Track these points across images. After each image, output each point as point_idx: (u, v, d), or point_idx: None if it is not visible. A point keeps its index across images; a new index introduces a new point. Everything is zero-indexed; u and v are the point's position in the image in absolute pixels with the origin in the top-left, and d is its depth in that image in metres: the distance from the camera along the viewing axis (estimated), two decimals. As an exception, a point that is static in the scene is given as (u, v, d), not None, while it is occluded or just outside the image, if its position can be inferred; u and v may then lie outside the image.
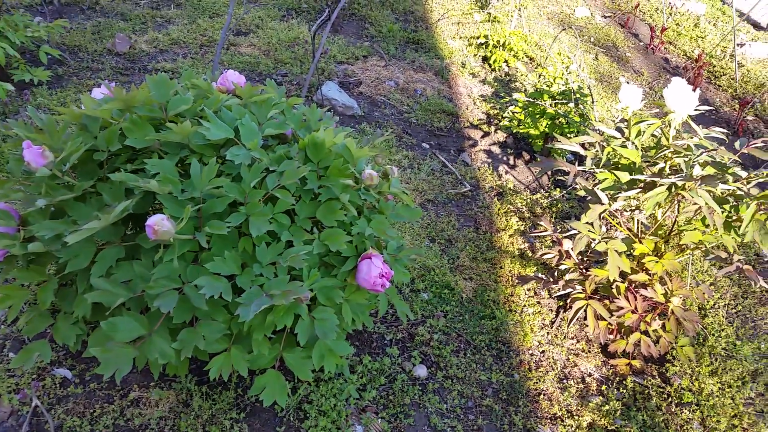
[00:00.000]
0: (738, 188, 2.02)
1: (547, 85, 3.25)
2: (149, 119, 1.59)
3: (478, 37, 4.59)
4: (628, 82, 4.70)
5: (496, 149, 3.49)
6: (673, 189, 1.97)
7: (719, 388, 2.17)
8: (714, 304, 2.58)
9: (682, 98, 2.02)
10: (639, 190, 2.07)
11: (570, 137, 2.86)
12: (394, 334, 2.12)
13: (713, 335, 2.40)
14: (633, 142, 2.14)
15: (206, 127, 1.52)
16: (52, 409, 1.70)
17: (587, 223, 2.07)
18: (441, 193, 2.97)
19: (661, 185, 1.97)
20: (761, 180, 2.00)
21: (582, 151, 2.17)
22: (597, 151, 2.19)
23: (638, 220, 2.16)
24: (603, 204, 2.05)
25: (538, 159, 3.32)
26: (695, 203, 1.95)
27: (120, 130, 1.52)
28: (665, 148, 2.08)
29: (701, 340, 2.37)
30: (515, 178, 3.30)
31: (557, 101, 3.17)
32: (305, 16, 4.63)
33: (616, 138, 2.16)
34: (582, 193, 2.12)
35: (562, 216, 2.97)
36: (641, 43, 5.55)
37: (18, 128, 1.48)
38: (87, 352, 1.38)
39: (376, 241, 1.76)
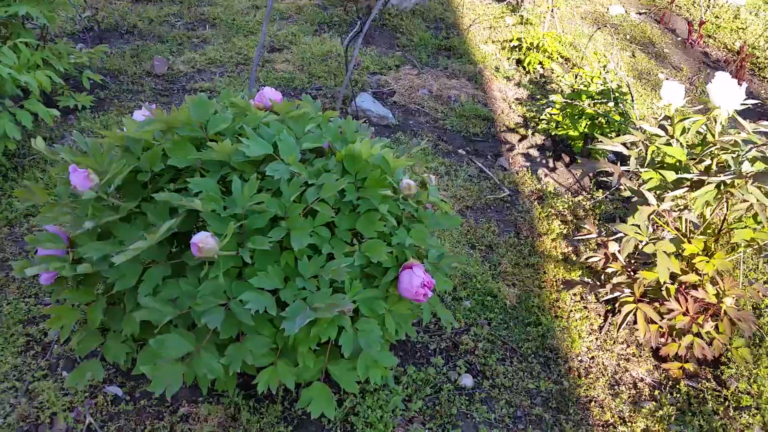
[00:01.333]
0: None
1: (585, 85, 3.19)
2: (190, 139, 1.62)
3: (510, 41, 4.55)
4: (667, 79, 4.59)
5: (534, 152, 3.44)
6: (722, 187, 1.91)
7: (780, 392, 2.08)
8: (770, 304, 2.48)
9: (727, 93, 1.96)
10: (686, 189, 2.01)
11: (611, 137, 2.80)
12: (437, 343, 2.10)
13: (771, 336, 2.30)
14: (678, 140, 2.08)
15: (246, 145, 1.54)
16: (104, 426, 1.74)
17: (634, 224, 2.02)
18: (479, 199, 2.94)
19: (709, 183, 1.91)
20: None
21: (625, 151, 2.12)
22: (640, 150, 2.13)
23: (686, 219, 2.09)
24: (651, 205, 2.00)
25: (579, 161, 3.26)
26: (745, 200, 1.89)
27: (162, 151, 1.54)
28: (711, 144, 2.02)
29: (758, 341, 2.28)
30: (555, 181, 3.25)
31: (596, 101, 3.11)
32: (337, 30, 4.66)
33: (660, 136, 2.11)
34: (627, 194, 2.07)
35: (606, 218, 2.91)
36: (679, 39, 5.42)
37: (64, 153, 1.53)
38: (137, 370, 1.40)
39: (416, 251, 1.74)
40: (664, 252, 2.02)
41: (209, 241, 1.37)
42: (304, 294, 1.45)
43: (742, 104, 1.98)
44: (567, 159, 3.41)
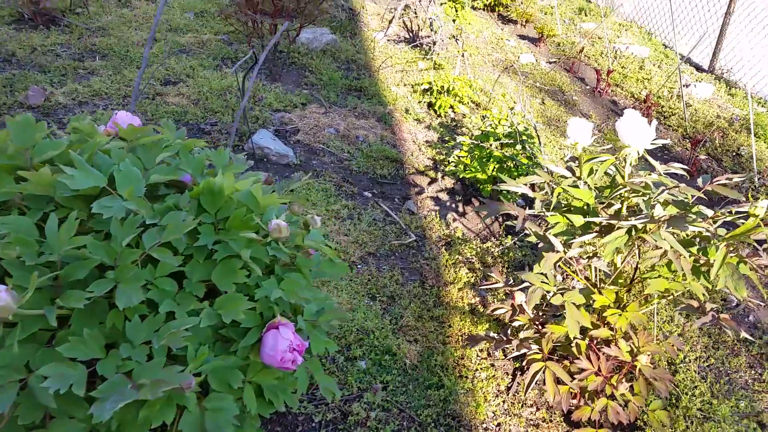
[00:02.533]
0: (706, 229, 1.81)
1: (492, 127, 3.06)
2: (9, 168, 1.29)
3: (422, 84, 4.44)
4: (576, 125, 4.59)
5: (443, 196, 3.26)
6: (633, 232, 1.74)
7: (699, 457, 1.90)
8: (684, 358, 2.34)
9: (637, 131, 1.82)
10: (595, 234, 1.84)
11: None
12: (324, 413, 1.80)
13: (686, 394, 2.14)
14: (585, 182, 1.92)
15: (69, 175, 1.23)
16: None
17: (541, 273, 1.83)
18: (383, 245, 2.70)
19: (619, 228, 1.74)
20: (728, 219, 1.79)
21: (530, 193, 1.94)
22: (546, 192, 1.96)
23: (596, 268, 1.92)
24: (557, 251, 1.81)
25: (484, 203, 3.10)
26: (659, 247, 1.73)
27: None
28: (621, 186, 1.87)
29: (674, 401, 2.11)
30: (464, 226, 3.06)
31: (504, 143, 2.97)
32: (242, 66, 4.40)
33: (567, 177, 1.94)
34: (533, 239, 1.88)
35: (516, 265, 2.73)
36: (587, 87, 5.51)
37: None
38: None
39: (292, 306, 1.46)
40: (573, 304, 1.83)
41: (3, 297, 1.04)
42: (130, 365, 1.13)
43: (652, 143, 1.84)
44: (477, 203, 3.25)
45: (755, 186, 3.93)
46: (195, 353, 1.21)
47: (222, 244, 1.31)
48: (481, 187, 3.11)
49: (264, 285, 1.33)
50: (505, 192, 2.97)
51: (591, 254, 1.91)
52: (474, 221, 3.11)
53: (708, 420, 2.05)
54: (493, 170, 3.00)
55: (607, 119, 4.84)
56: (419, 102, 4.36)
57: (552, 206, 1.95)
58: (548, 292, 1.86)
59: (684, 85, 5.55)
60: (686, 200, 1.83)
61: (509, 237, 2.92)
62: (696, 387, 2.19)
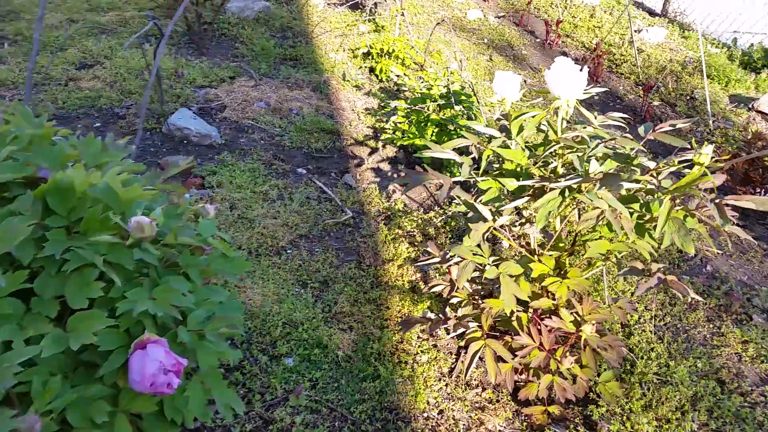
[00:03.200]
0: (647, 182, 1.66)
1: (427, 89, 2.85)
2: None
3: (361, 48, 4.20)
4: (525, 81, 4.42)
5: (385, 166, 3.07)
6: (567, 193, 1.57)
7: (656, 427, 1.77)
8: (639, 319, 2.22)
9: (567, 80, 1.64)
10: (528, 198, 1.67)
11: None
12: (242, 425, 1.62)
13: (642, 358, 2.02)
14: (516, 141, 1.74)
15: None
16: None
17: (473, 245, 1.66)
18: (317, 226, 2.50)
19: (552, 190, 1.57)
20: (674, 169, 1.63)
21: (457, 158, 1.76)
22: (474, 156, 1.78)
23: (533, 235, 1.76)
24: (486, 221, 1.64)
25: (403, 174, 2.90)
26: (596, 207, 1.57)
27: None
28: (554, 143, 1.70)
29: (629, 367, 1.98)
30: (408, 197, 2.88)
31: (442, 105, 2.78)
32: (167, 41, 4.11)
33: (496, 137, 1.77)
34: (462, 208, 1.71)
35: (459, 234, 2.56)
36: (537, 40, 5.32)
37: None
38: None
39: (173, 317, 1.26)
40: (510, 275, 1.67)
41: None
42: (-52, 415, 0.93)
43: (585, 92, 1.66)
44: (422, 170, 3.06)
45: (710, 129, 3.81)
46: (42, 388, 1.01)
47: (72, 252, 1.10)
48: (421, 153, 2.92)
49: (129, 296, 1.13)
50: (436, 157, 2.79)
51: (524, 221, 1.74)
52: (417, 190, 2.93)
53: (665, 384, 1.92)
54: (432, 135, 2.81)
55: (557, 71, 4.66)
56: (360, 67, 4.13)
57: (482, 170, 1.77)
58: (482, 265, 1.70)
59: (636, 31, 5.39)
60: (626, 153, 1.66)
61: (453, 204, 2.75)
62: (652, 349, 2.07)
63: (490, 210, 1.69)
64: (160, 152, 2.84)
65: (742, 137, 3.64)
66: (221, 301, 1.35)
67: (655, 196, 1.65)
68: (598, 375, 1.80)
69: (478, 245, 1.71)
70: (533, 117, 1.70)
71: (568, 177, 1.51)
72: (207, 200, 2.51)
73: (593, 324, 1.68)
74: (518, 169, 1.79)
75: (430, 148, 1.82)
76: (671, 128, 1.75)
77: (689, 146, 1.65)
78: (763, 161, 2.89)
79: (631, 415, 1.79)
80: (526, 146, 1.78)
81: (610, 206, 1.55)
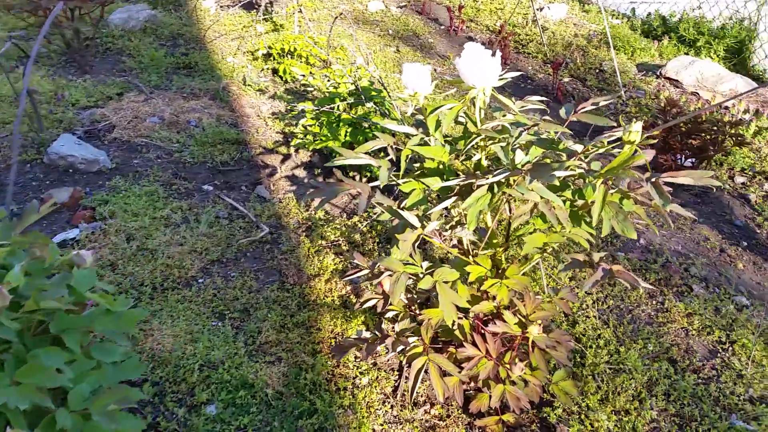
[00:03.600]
0: (576, 167, 1.57)
1: (334, 87, 2.69)
2: None
3: (260, 49, 3.98)
4: (435, 70, 4.33)
5: (300, 173, 2.89)
6: (495, 188, 1.46)
7: (615, 422, 1.70)
8: (582, 305, 2.15)
9: (480, 67, 1.52)
10: (455, 198, 1.55)
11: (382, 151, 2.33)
12: (160, 494, 1.42)
13: (591, 347, 1.95)
14: (435, 137, 1.61)
15: None
16: None
17: (403, 256, 1.52)
18: (230, 247, 2.30)
19: (479, 187, 1.45)
20: (602, 150, 1.55)
21: (374, 162, 1.62)
22: (391, 158, 1.64)
23: (466, 238, 1.64)
24: (415, 228, 1.50)
25: (317, 186, 2.74)
26: (527, 200, 1.46)
27: None
28: (475, 135, 1.58)
29: (579, 359, 1.91)
30: (330, 204, 2.71)
31: (352, 104, 2.63)
32: (46, 62, 3.75)
33: (413, 135, 1.63)
34: (385, 216, 1.56)
35: (388, 237, 2.43)
36: (442, 27, 5.26)
37: None
38: None
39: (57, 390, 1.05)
40: (446, 282, 1.55)
41: None
42: None
43: (500, 78, 1.55)
44: (339, 174, 2.90)
45: (624, 101, 3.85)
46: None
47: None
48: (337, 156, 2.76)
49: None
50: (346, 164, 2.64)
51: (456, 222, 1.62)
52: (339, 196, 2.77)
53: (619, 372, 1.86)
54: (346, 135, 2.65)
55: (466, 56, 4.60)
56: (261, 70, 3.92)
57: (402, 172, 1.63)
58: (415, 275, 1.57)
59: (538, 9, 5.43)
60: (551, 138, 1.56)
61: (381, 213, 2.61)
62: (600, 336, 2.00)
63: (417, 215, 1.56)
64: (43, 186, 2.54)
65: (655, 105, 3.69)
66: (115, 361, 1.14)
67: (587, 180, 1.57)
68: (551, 374, 1.70)
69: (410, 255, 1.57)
70: (450, 110, 1.57)
71: (495, 171, 1.39)
72: (99, 233, 2.25)
73: (539, 323, 1.58)
74: (440, 167, 1.67)
75: (342, 155, 1.67)
76: (594, 107, 1.67)
77: (614, 125, 1.58)
78: (680, 127, 2.92)
79: (589, 413, 1.71)
80: (446, 141, 1.66)
81: (542, 198, 1.45)
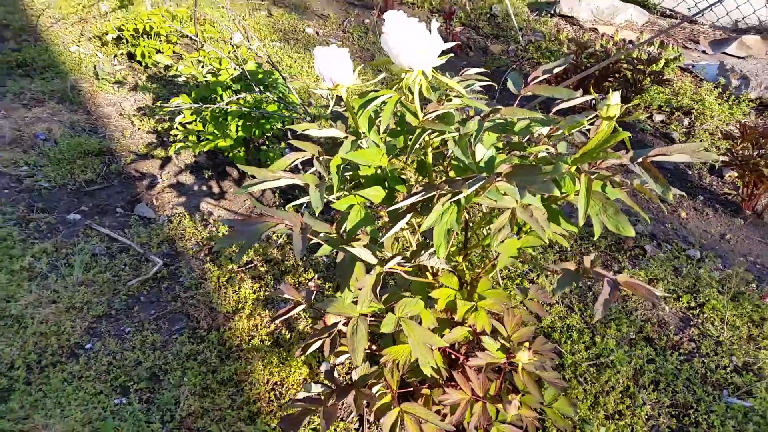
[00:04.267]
0: (547, 153, 1.34)
1: (213, 74, 2.27)
2: None
3: (109, 32, 3.40)
4: (317, 33, 3.94)
5: (187, 178, 2.47)
6: (464, 201, 1.17)
7: (614, 430, 1.52)
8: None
9: (417, 44, 1.20)
10: (409, 214, 1.25)
11: (281, 135, 1.99)
12: None
13: (565, 342, 1.75)
14: (370, 138, 1.30)
15: None
16: None
17: (362, 307, 1.22)
18: (117, 294, 1.88)
19: (443, 202, 1.16)
20: (570, 132, 1.31)
21: (298, 181, 1.28)
22: (316, 172, 1.31)
23: (437, 266, 1.35)
24: (371, 265, 1.20)
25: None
26: (504, 207, 1.19)
27: None
28: (419, 131, 1.28)
29: (557, 360, 1.71)
30: (229, 211, 2.33)
31: (238, 92, 2.23)
32: None
33: (339, 138, 1.32)
34: (327, 251, 1.24)
35: (312, 247, 2.10)
36: (314, -18, 4.82)
37: None
38: None
39: None
40: (412, 317, 1.27)
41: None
42: None
43: (442, 54, 1.25)
44: (236, 174, 2.51)
45: (523, 46, 3.67)
46: None
47: None
48: (230, 155, 2.36)
49: None
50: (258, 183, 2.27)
51: (418, 248, 1.33)
52: (240, 198, 2.39)
53: (602, 369, 1.68)
54: (238, 130, 2.26)
55: (347, 15, 4.23)
56: (115, 56, 3.36)
57: (336, 188, 1.30)
58: (374, 314, 1.28)
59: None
60: (510, 121, 1.29)
61: (290, 207, 2.26)
62: (570, 327, 1.82)
63: (365, 244, 1.25)
64: None
65: (556, 48, 3.54)
66: None
67: (559, 168, 1.33)
68: (543, 400, 1.48)
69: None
70: (386, 102, 1.26)
71: (467, 179, 1.10)
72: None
73: (526, 346, 1.34)
74: (379, 172, 1.36)
75: (254, 175, 1.31)
76: (546, 75, 1.43)
77: (577, 95, 1.33)
78: (593, 71, 2.77)
79: (584, 426, 1.52)
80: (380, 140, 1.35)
81: (520, 204, 1.19)
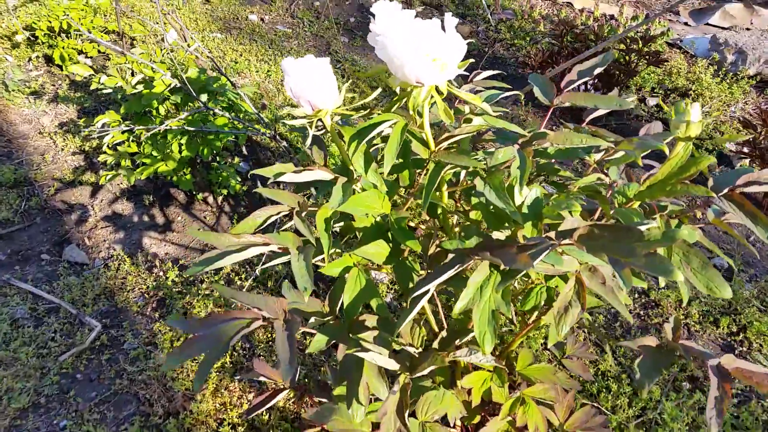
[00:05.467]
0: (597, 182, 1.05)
1: (144, 84, 1.87)
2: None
3: (17, 32, 2.93)
4: (262, 20, 3.53)
5: (125, 207, 2.09)
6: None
7: None
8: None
9: (428, 48, 0.88)
10: (433, 283, 0.93)
11: (236, 153, 1.64)
12: None
13: (603, 393, 1.47)
14: (370, 179, 0.98)
15: None
16: None
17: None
18: (47, 375, 1.51)
19: (481, 265, 0.86)
20: (621, 155, 1.02)
21: (274, 248, 0.95)
22: (294, 227, 0.98)
23: (479, 361, 1.03)
24: (394, 371, 0.89)
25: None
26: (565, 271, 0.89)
27: None
28: (436, 165, 0.96)
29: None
30: (177, 245, 1.97)
31: (180, 106, 1.85)
32: None
33: (328, 179, 0.99)
34: (321, 344, 0.91)
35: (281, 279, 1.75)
36: (253, -38, 4.39)
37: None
38: None
39: None
40: (438, 422, 0.97)
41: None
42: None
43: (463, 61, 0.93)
44: (183, 197, 2.14)
45: (494, 27, 3.35)
46: None
47: None
48: (175, 178, 1.98)
49: None
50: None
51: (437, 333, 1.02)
52: (191, 227, 2.02)
53: (652, 426, 1.41)
54: (181, 150, 1.88)
55: (294, 0, 3.84)
56: (29, 60, 2.90)
57: (327, 250, 0.97)
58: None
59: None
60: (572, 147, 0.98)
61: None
62: (605, 374, 1.53)
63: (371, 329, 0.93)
64: None
65: (531, 27, 3.24)
66: None
67: (616, 200, 1.03)
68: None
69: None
70: (392, 127, 0.94)
71: (531, 242, 0.78)
72: None
73: (586, 436, 1.05)
74: (378, 220, 1.04)
75: (214, 245, 0.97)
76: (584, 78, 1.13)
77: (625, 100, 1.03)
78: (580, 52, 2.48)
79: None
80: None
81: (583, 264, 0.89)
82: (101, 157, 1.94)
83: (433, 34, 0.86)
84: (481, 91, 1.14)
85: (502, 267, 0.84)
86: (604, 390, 1.49)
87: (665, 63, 2.57)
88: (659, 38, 2.91)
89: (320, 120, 0.97)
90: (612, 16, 3.25)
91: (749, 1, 3.42)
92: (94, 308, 1.70)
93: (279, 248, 0.94)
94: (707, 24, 3.35)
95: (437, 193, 1.03)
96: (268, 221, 0.96)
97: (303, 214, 0.94)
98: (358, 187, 1.01)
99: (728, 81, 2.74)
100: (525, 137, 0.93)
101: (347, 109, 0.98)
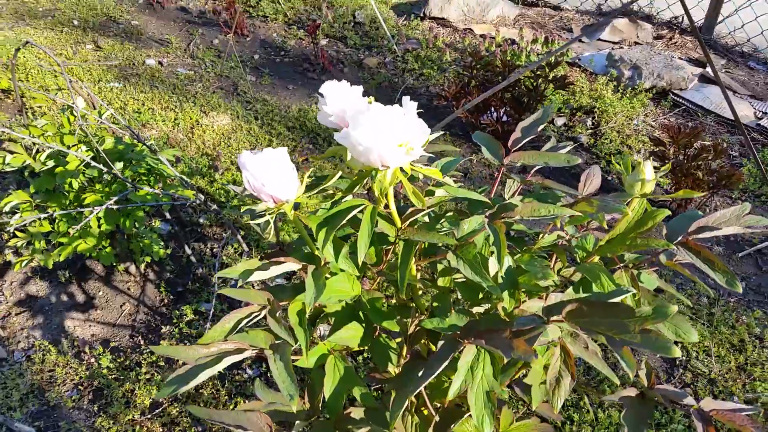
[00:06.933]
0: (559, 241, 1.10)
1: (53, 160, 1.74)
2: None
3: None
4: (161, 63, 3.41)
5: (40, 288, 1.94)
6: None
7: None
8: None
9: (395, 134, 0.88)
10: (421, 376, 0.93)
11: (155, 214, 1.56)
12: None
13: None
14: (339, 266, 0.97)
15: None
16: None
17: None
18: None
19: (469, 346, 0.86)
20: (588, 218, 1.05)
21: (248, 353, 0.91)
22: (263, 323, 0.95)
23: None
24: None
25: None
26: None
27: None
28: (405, 246, 0.96)
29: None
30: (104, 324, 1.85)
31: (95, 179, 1.74)
32: None
33: (295, 269, 0.98)
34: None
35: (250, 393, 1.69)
36: (141, 1, 4.23)
37: None
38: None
39: None
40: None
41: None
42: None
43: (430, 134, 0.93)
44: (101, 268, 2.02)
45: (401, 57, 3.40)
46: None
47: None
48: (94, 254, 1.86)
49: None
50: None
51: None
52: (115, 302, 1.91)
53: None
54: (101, 224, 1.78)
55: (189, 36, 3.74)
56: None
57: (304, 345, 0.94)
58: None
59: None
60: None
61: (187, 308, 1.82)
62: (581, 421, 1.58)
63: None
64: None
65: (437, 56, 3.31)
66: None
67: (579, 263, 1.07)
68: None
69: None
70: (361, 213, 0.93)
71: (521, 324, 0.79)
72: None
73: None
74: (350, 303, 1.02)
75: (178, 360, 0.92)
76: (527, 136, 1.18)
77: (578, 160, 1.07)
78: (490, 80, 2.57)
79: None
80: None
81: (564, 330, 0.92)
82: (12, 242, 1.79)
83: (399, 122, 0.85)
84: (432, 156, 1.15)
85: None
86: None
87: (571, 86, 2.71)
88: (562, 60, 3.07)
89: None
90: (513, 41, 3.39)
91: (633, 16, 3.67)
92: (23, 411, 1.56)
93: (252, 351, 0.90)
94: (600, 39, 3.56)
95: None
96: (240, 325, 0.92)
97: (277, 315, 0.91)
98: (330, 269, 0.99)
99: (628, 96, 2.93)
100: (492, 208, 0.95)
101: (308, 197, 0.96)
